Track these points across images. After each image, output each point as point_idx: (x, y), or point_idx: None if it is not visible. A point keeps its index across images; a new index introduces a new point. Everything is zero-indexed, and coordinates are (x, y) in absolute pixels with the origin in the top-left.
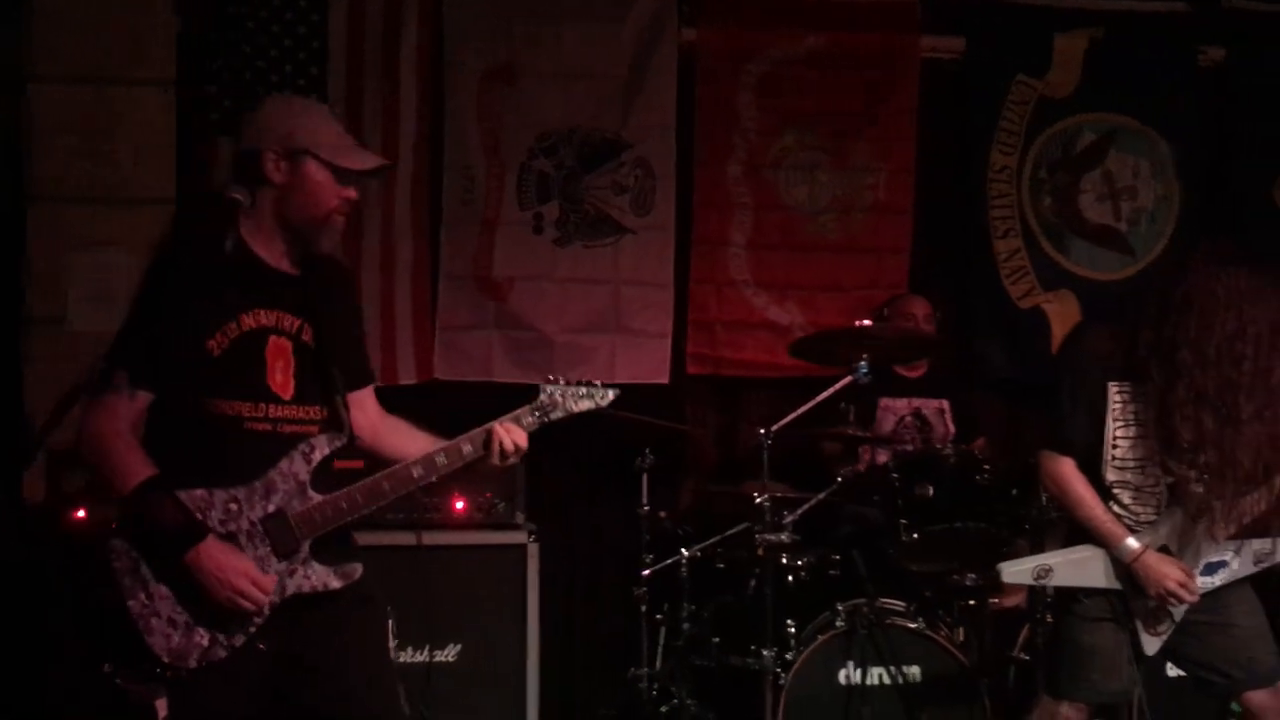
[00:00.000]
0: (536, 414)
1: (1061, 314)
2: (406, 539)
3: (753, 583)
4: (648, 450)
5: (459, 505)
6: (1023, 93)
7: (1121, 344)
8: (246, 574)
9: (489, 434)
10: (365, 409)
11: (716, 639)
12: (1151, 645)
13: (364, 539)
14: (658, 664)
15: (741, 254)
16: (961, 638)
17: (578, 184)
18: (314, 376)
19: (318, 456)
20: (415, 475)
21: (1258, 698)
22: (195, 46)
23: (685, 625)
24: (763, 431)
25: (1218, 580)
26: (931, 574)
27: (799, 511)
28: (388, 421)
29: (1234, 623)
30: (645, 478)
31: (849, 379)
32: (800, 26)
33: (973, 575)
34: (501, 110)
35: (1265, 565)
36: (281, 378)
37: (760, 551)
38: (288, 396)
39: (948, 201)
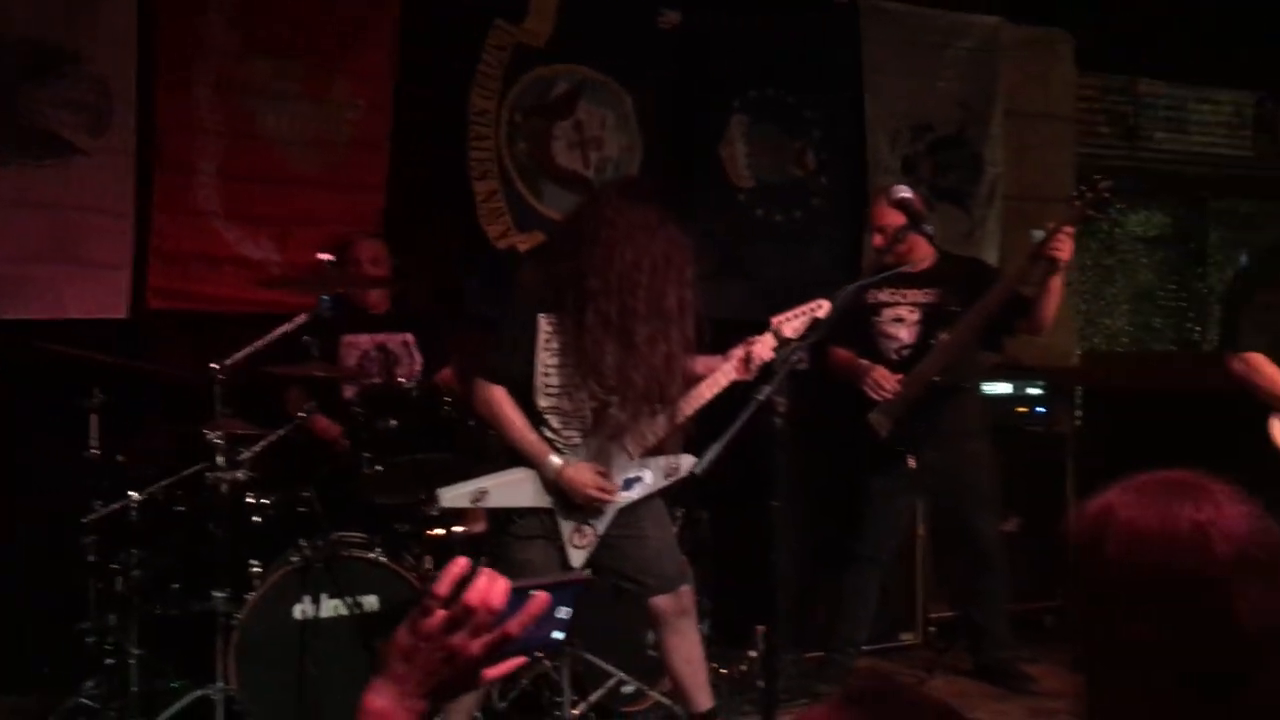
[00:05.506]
0: None
1: None
2: None
3: (211, 524)
4: (97, 389)
5: None
6: (501, 38)
7: (548, 276)
8: None
9: None
10: None
11: (177, 585)
12: (577, 558)
13: None
14: (113, 616)
15: (211, 183)
16: (430, 565)
17: (16, 96)
18: None
19: None
20: None
21: (662, 601)
22: None
23: (135, 573)
24: (215, 367)
25: (635, 494)
26: (399, 505)
27: (255, 449)
28: None
29: (646, 534)
30: (95, 418)
31: (308, 315)
32: None
33: (437, 505)
34: None
35: (675, 479)
36: None
37: (214, 491)
38: None
39: (428, 140)
